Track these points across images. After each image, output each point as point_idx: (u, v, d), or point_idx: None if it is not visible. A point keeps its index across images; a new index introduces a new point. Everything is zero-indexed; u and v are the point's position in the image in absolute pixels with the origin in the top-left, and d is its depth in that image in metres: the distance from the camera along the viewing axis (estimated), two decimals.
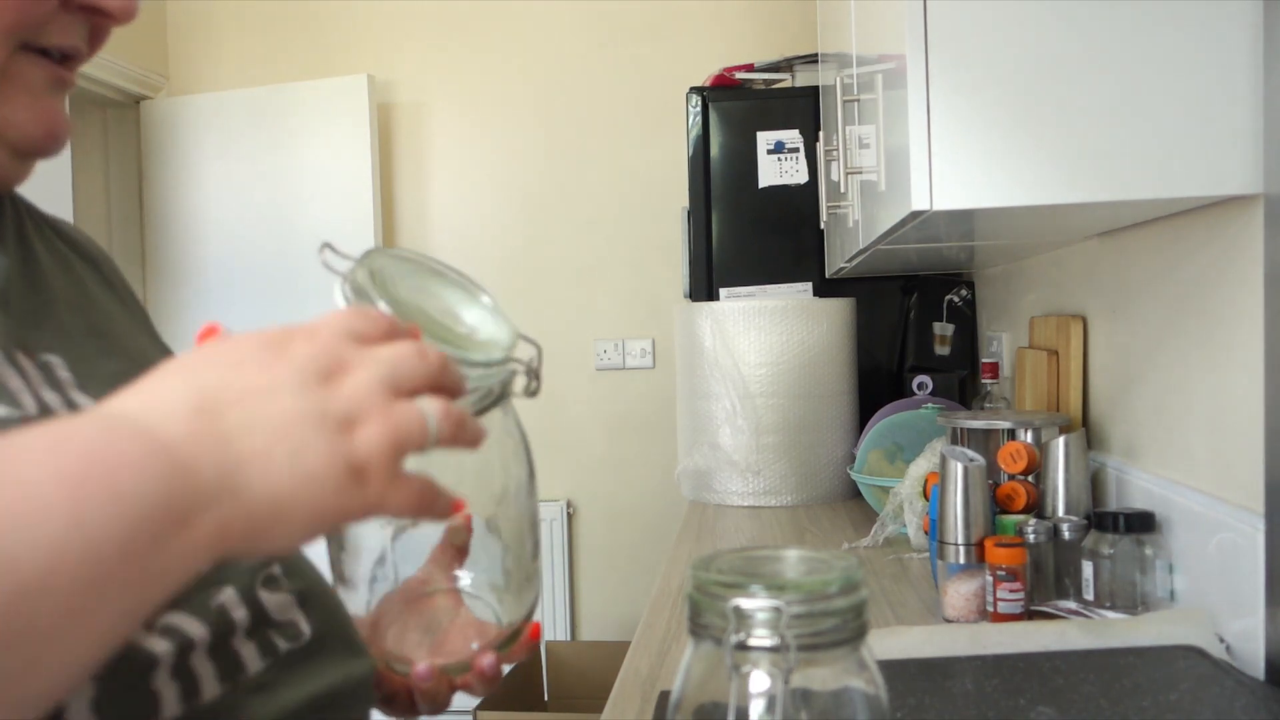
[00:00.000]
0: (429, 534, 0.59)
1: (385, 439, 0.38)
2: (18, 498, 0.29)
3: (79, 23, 0.50)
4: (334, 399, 0.38)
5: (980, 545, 1.21)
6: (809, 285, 2.28)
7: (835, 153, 1.56)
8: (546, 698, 2.81)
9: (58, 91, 0.51)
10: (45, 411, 0.48)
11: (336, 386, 0.39)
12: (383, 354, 0.41)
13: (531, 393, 0.52)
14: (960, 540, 1.22)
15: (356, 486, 0.38)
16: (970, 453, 1.27)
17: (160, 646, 0.46)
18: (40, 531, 0.29)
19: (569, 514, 3.15)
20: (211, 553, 0.34)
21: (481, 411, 0.47)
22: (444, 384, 0.42)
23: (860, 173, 1.35)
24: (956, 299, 2.35)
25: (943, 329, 2.36)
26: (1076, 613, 1.16)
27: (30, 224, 0.59)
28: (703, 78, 2.51)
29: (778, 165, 2.28)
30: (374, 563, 0.57)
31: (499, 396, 0.51)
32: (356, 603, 0.58)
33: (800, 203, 2.27)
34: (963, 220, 1.18)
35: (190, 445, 0.34)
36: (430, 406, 0.40)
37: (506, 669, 0.60)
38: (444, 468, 0.44)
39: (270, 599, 0.53)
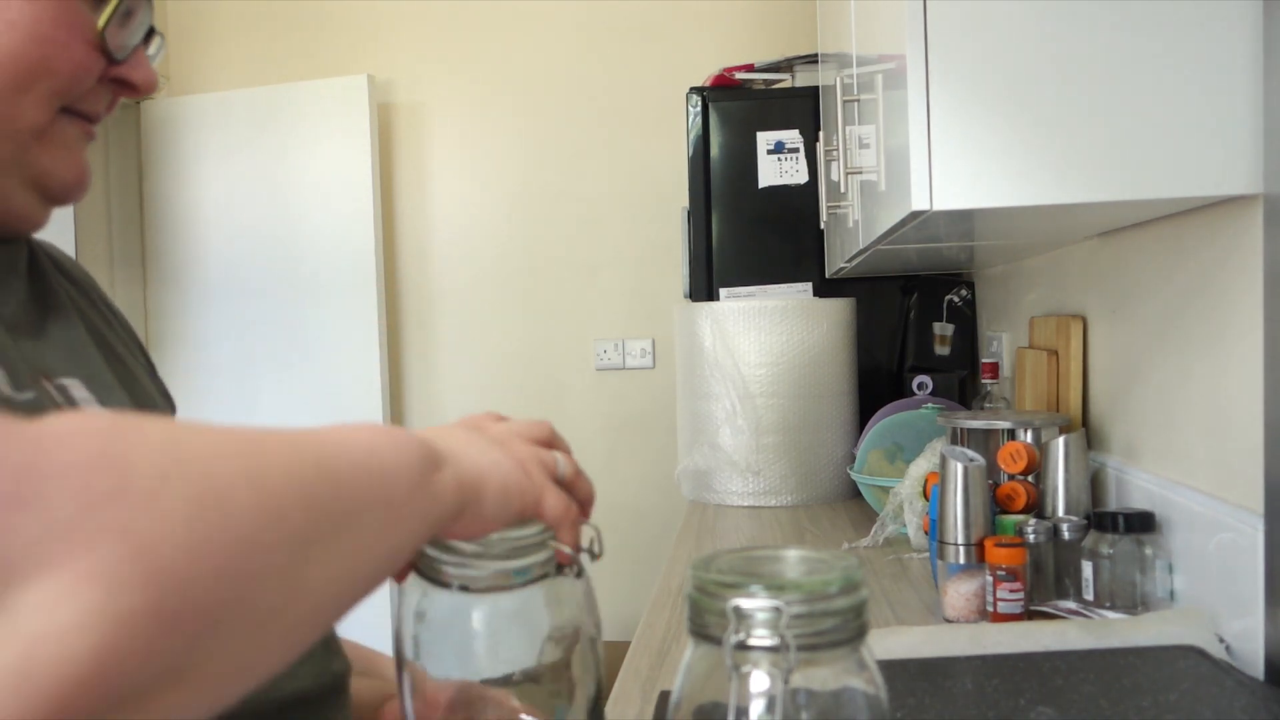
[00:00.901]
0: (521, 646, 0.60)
1: (535, 457, 0.56)
2: (358, 445, 0.41)
3: (108, 91, 0.59)
4: (505, 449, 0.55)
5: (980, 545, 1.21)
6: (809, 285, 2.28)
7: (835, 153, 1.56)
8: None
9: (85, 145, 0.60)
10: None
11: (507, 447, 0.56)
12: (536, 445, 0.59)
13: (595, 556, 0.61)
14: (960, 540, 1.22)
15: (524, 476, 0.53)
16: (970, 453, 1.27)
17: None
18: (380, 448, 0.43)
19: None
20: (455, 495, 0.48)
21: (531, 580, 0.56)
22: (571, 465, 0.60)
23: (860, 173, 1.35)
24: (956, 299, 2.35)
25: (943, 329, 2.36)
26: (1076, 613, 1.16)
27: (41, 257, 0.64)
28: (703, 78, 2.51)
29: (778, 165, 2.28)
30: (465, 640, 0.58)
31: (544, 572, 0.57)
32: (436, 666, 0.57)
33: (800, 203, 2.27)
34: (963, 220, 1.18)
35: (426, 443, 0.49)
36: (562, 457, 0.58)
37: None
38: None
39: None
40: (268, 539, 0.32)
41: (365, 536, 0.39)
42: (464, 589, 0.53)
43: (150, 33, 0.59)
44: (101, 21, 0.54)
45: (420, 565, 0.53)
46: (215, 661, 0.30)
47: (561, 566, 0.57)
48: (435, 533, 0.48)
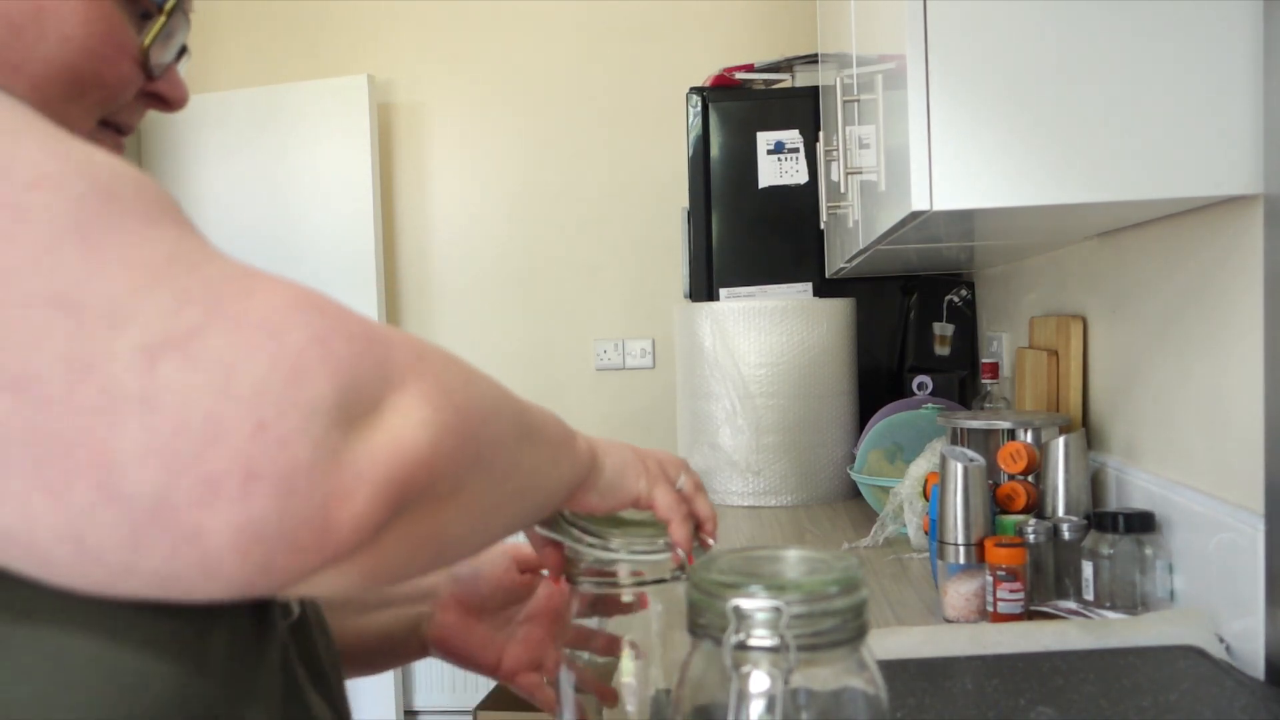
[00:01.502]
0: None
1: (654, 459, 0.67)
2: (537, 412, 0.52)
3: (142, 105, 0.62)
4: (630, 448, 0.66)
5: (980, 545, 1.21)
6: (809, 285, 2.28)
7: (835, 153, 1.56)
8: None
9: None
10: None
11: (633, 449, 0.67)
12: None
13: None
14: (960, 540, 1.22)
15: (640, 465, 0.65)
16: (970, 453, 1.27)
17: None
18: (541, 410, 0.53)
19: None
20: (587, 457, 0.59)
21: (644, 584, 0.67)
22: (692, 483, 0.70)
23: (860, 173, 1.35)
24: (956, 299, 2.35)
25: (943, 329, 2.36)
26: (1076, 613, 1.16)
27: None
28: (703, 78, 2.51)
29: (778, 165, 2.28)
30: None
31: (659, 575, 0.67)
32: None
33: (800, 203, 2.27)
34: (963, 220, 1.18)
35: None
36: (684, 475, 0.68)
37: None
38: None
39: None
40: (499, 414, 0.45)
41: (542, 456, 0.51)
42: (599, 586, 0.68)
43: (182, 50, 0.63)
44: (147, 40, 0.58)
45: (570, 574, 0.68)
46: (474, 492, 0.42)
47: (680, 574, 0.67)
48: (573, 488, 0.58)
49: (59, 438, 0.31)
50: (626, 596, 0.68)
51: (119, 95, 0.58)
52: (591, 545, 0.64)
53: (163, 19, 0.58)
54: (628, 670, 0.68)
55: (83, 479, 0.32)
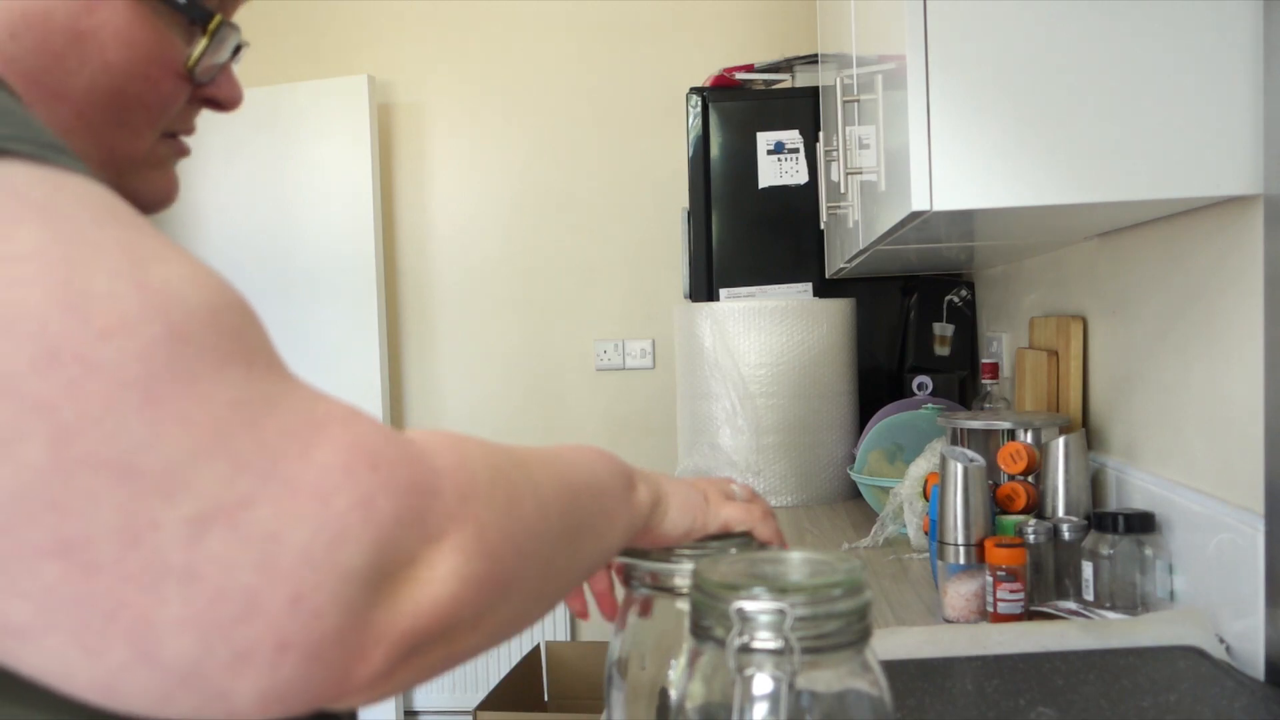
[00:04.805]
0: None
1: (713, 486, 0.69)
2: (585, 465, 0.53)
3: (197, 108, 0.63)
4: (689, 484, 0.68)
5: (980, 546, 1.21)
6: (809, 285, 2.28)
7: (835, 153, 1.56)
8: (546, 698, 2.81)
9: (175, 161, 0.64)
10: None
11: (692, 484, 0.69)
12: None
13: None
14: (960, 541, 1.22)
15: (702, 500, 0.66)
16: (970, 453, 1.27)
17: None
18: (597, 469, 0.54)
19: None
20: (648, 508, 0.60)
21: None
22: (747, 490, 0.73)
23: (860, 173, 1.35)
24: (956, 299, 2.35)
25: (943, 329, 2.36)
26: (1076, 613, 1.16)
27: None
28: (703, 78, 2.51)
29: (778, 165, 2.28)
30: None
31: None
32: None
33: (800, 203, 2.27)
34: (963, 221, 1.18)
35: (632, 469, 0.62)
36: (737, 485, 0.72)
37: None
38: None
39: None
40: (539, 533, 0.44)
41: (591, 537, 0.51)
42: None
43: (237, 49, 0.61)
44: (193, 59, 0.57)
45: (626, 577, 0.67)
46: (498, 617, 0.41)
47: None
48: (627, 540, 0.59)
49: (101, 604, 0.32)
50: (682, 604, 0.66)
51: (167, 112, 0.57)
52: (651, 559, 0.65)
53: (206, 41, 0.57)
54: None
55: (121, 643, 0.32)
